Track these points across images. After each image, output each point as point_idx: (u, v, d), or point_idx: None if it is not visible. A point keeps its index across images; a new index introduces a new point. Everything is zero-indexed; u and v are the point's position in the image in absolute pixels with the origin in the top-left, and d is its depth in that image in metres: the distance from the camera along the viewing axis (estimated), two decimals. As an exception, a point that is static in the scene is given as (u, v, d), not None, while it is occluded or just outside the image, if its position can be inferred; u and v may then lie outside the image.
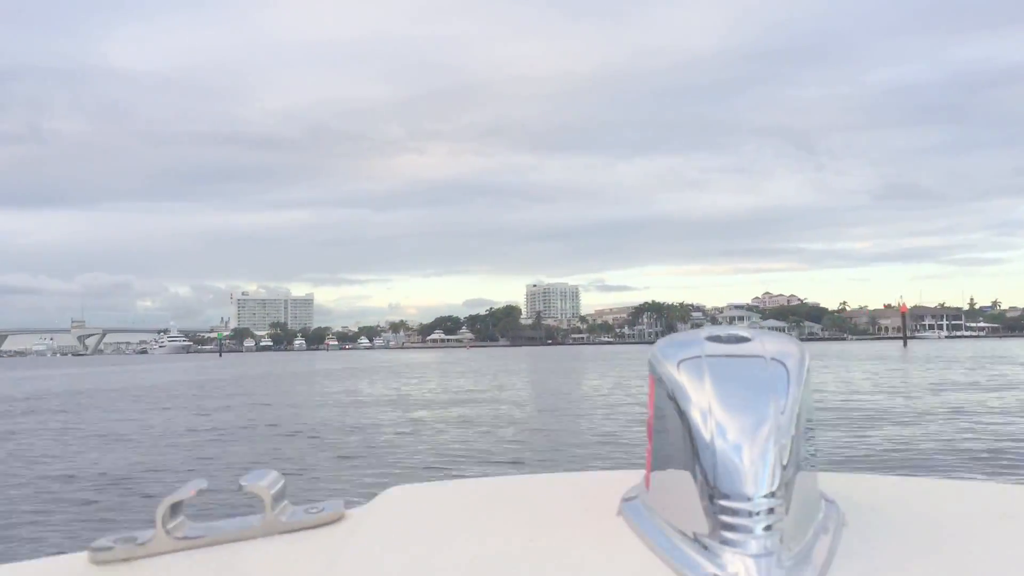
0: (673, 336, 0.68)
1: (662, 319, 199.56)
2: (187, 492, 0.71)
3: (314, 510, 0.76)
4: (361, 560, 0.67)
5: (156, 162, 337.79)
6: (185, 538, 0.70)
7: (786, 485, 0.57)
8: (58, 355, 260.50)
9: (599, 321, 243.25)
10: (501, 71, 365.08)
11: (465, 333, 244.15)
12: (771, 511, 0.56)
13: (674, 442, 0.61)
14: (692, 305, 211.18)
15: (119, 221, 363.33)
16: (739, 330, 0.66)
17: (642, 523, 0.66)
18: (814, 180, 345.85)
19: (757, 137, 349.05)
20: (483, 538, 0.70)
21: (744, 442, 0.57)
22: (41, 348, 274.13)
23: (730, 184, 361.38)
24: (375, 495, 0.85)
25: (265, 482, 0.73)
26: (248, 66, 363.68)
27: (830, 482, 0.75)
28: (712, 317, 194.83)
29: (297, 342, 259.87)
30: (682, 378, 0.62)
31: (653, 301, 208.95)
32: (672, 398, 0.62)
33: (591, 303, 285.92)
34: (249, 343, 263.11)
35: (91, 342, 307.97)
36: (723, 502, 0.56)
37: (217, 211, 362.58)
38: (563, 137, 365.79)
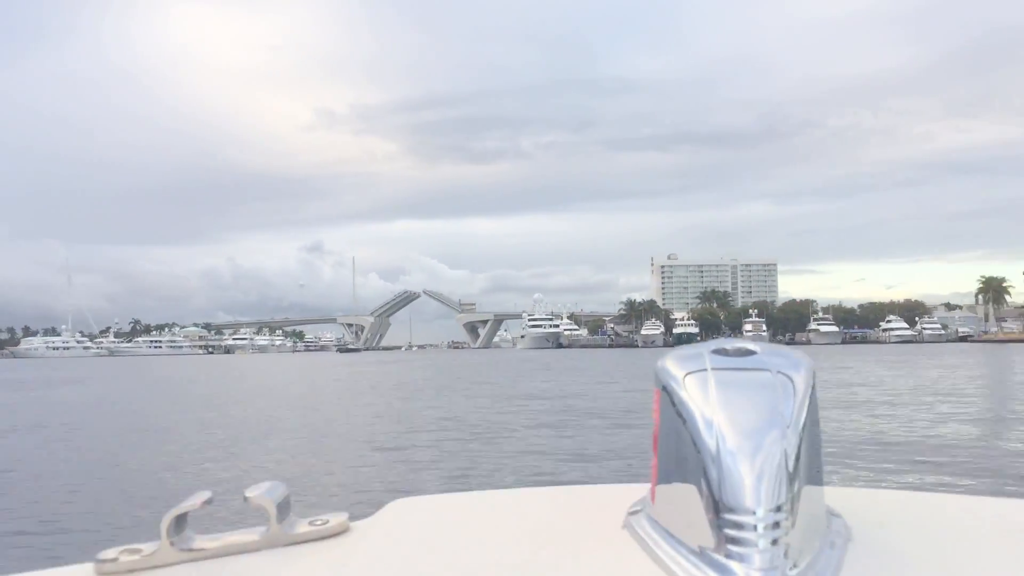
0: (679, 349, 0.68)
1: None
2: (193, 503, 0.70)
3: (319, 522, 0.76)
4: (365, 572, 0.67)
5: (617, 166, 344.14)
6: (190, 550, 0.70)
7: (792, 499, 0.56)
8: (413, 348, 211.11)
9: None
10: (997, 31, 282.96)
11: None
12: (777, 525, 0.55)
13: (680, 455, 0.61)
14: None
15: (584, 221, 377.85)
16: (745, 343, 0.66)
17: (647, 536, 0.65)
18: None
19: None
20: (488, 551, 0.70)
21: (750, 456, 0.57)
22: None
23: None
24: (379, 507, 0.85)
25: (270, 494, 0.73)
26: (707, 63, 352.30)
27: (836, 496, 0.74)
28: None
29: (748, 326, 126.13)
30: (688, 391, 0.61)
31: None
32: (678, 412, 0.62)
33: None
34: (652, 329, 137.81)
35: (484, 332, 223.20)
36: (729, 516, 0.56)
37: (678, 209, 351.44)
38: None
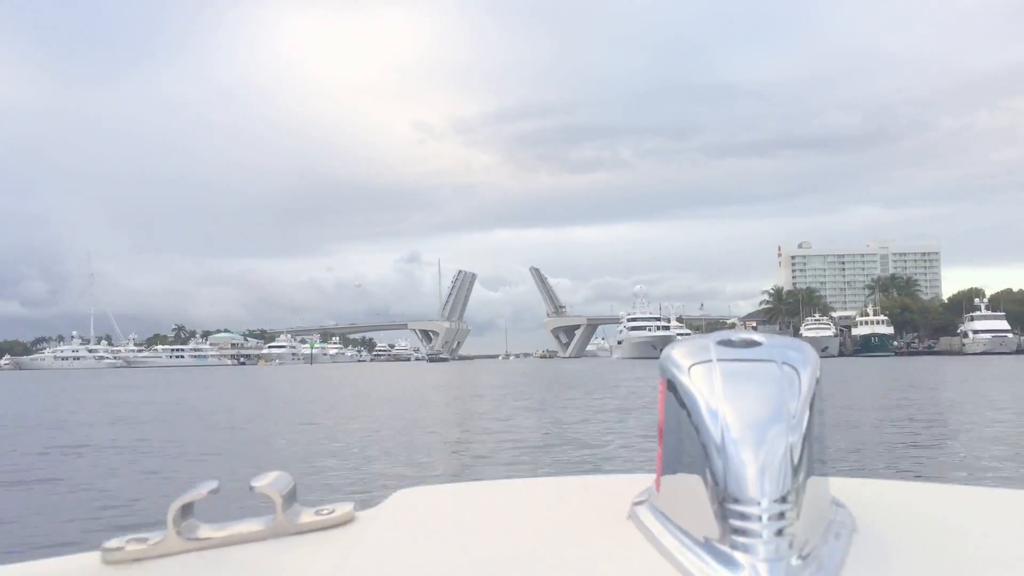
0: (684, 340, 0.67)
1: None
2: (199, 493, 0.71)
3: (324, 511, 0.76)
4: (371, 562, 0.67)
5: (719, 172, 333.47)
6: (196, 539, 0.71)
7: (797, 490, 0.56)
8: (511, 358, 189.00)
9: None
10: None
11: None
12: (782, 515, 0.55)
13: (684, 446, 0.61)
14: None
15: (687, 228, 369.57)
16: (751, 334, 0.66)
17: (652, 527, 0.65)
18: None
19: None
20: (493, 541, 0.70)
21: (755, 446, 0.56)
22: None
23: None
24: (385, 497, 0.85)
25: (276, 483, 0.73)
26: (811, 65, 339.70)
27: (841, 487, 0.73)
28: None
29: (977, 324, 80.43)
30: (693, 382, 0.61)
31: None
32: (683, 402, 0.61)
33: None
34: (819, 329, 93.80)
35: (576, 339, 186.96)
36: (733, 506, 0.55)
37: (785, 215, 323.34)
38: None
